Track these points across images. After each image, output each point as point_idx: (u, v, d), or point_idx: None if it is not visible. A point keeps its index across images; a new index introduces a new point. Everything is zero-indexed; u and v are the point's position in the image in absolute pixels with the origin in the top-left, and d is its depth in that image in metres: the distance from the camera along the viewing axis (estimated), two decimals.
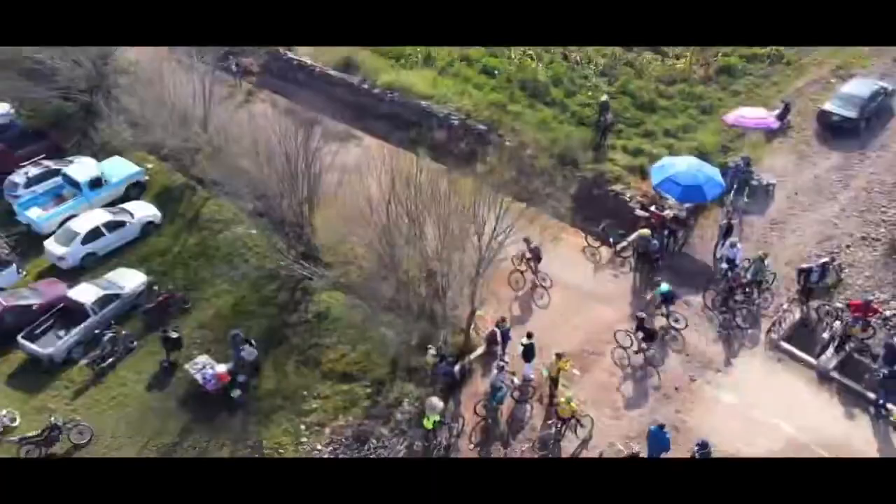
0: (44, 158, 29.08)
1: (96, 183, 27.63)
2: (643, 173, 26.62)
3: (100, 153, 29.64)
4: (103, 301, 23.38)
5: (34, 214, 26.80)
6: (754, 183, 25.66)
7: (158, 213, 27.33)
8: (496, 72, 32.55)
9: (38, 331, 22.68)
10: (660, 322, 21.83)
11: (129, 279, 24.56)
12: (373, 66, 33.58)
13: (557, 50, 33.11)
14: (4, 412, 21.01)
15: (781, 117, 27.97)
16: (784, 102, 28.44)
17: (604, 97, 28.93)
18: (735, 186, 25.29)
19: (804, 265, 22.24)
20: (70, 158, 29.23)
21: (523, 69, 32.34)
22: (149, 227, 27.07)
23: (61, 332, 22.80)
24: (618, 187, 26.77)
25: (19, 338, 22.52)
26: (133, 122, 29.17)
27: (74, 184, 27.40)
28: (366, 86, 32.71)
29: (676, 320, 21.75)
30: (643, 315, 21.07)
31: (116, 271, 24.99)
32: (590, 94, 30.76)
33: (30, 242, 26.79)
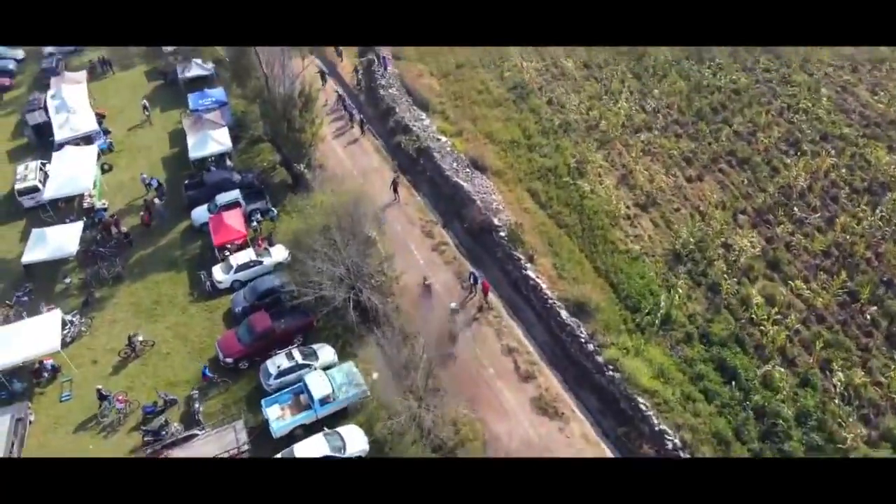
0: (299, 343, 33.69)
1: (326, 400, 31.35)
2: None
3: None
4: None
5: (273, 415, 31.43)
6: None
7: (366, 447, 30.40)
8: (733, 384, 29.79)
9: None
10: None
11: None
12: (605, 319, 32.53)
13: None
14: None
15: None
16: None
17: None
18: None
19: None
20: (315, 348, 33.36)
21: (773, 388, 29.22)
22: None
23: None
24: None
25: None
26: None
27: (310, 395, 31.39)
28: (591, 346, 31.90)
29: None
30: None
31: None
32: None
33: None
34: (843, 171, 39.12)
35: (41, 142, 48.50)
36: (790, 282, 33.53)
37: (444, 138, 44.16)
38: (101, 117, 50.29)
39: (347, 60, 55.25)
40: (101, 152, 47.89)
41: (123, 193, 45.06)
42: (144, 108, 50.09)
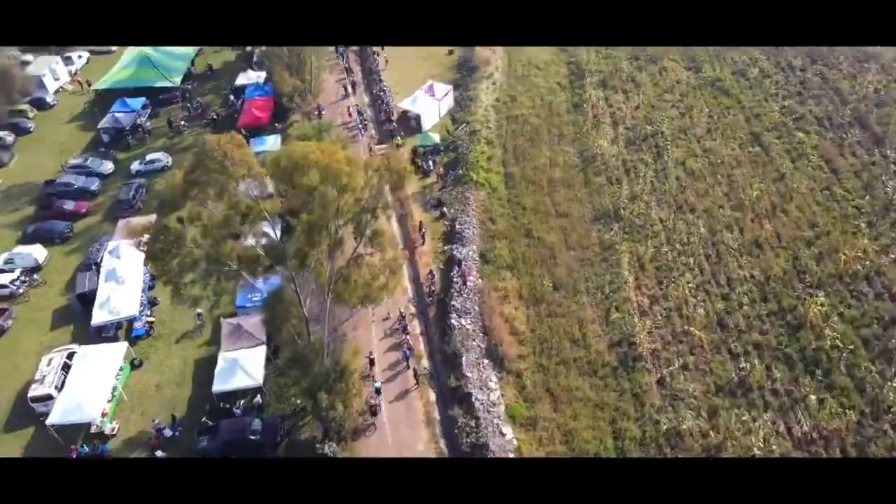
0: None
1: None
2: None
3: None
4: None
5: None
6: None
7: None
8: None
9: None
10: None
11: None
12: None
13: None
14: None
15: None
16: None
17: None
18: None
19: None
20: None
21: None
22: None
23: None
24: None
25: None
26: None
27: None
28: None
29: None
30: None
31: None
32: None
33: None
34: None
35: (84, 312, 44.51)
36: None
37: (509, 433, 34.32)
38: (153, 279, 45.67)
39: (430, 244, 46.80)
40: (138, 338, 43.06)
41: (147, 402, 39.67)
42: (199, 315, 43.18)
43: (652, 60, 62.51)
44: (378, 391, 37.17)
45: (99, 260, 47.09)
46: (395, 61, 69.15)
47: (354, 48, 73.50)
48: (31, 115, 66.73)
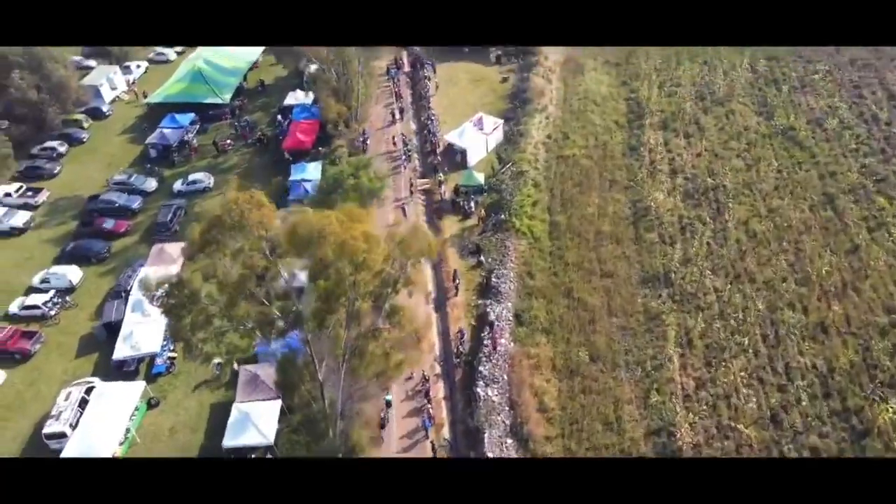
0: None
1: None
2: None
3: None
4: None
5: None
6: None
7: None
8: None
9: None
10: None
11: None
12: None
13: None
14: None
15: None
16: None
17: None
18: None
19: None
20: None
21: None
22: None
23: None
24: None
25: None
26: None
27: None
28: None
29: None
30: None
31: None
32: None
33: None
34: None
35: (109, 340, 44.06)
36: None
37: None
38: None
39: (463, 295, 44.34)
40: (158, 375, 42.26)
41: (158, 447, 38.69)
42: (217, 365, 40.92)
43: (719, 102, 58.24)
44: (388, 404, 37.75)
45: (129, 287, 46.63)
46: (445, 86, 67.03)
47: (407, 69, 71.78)
48: (85, 124, 67.59)
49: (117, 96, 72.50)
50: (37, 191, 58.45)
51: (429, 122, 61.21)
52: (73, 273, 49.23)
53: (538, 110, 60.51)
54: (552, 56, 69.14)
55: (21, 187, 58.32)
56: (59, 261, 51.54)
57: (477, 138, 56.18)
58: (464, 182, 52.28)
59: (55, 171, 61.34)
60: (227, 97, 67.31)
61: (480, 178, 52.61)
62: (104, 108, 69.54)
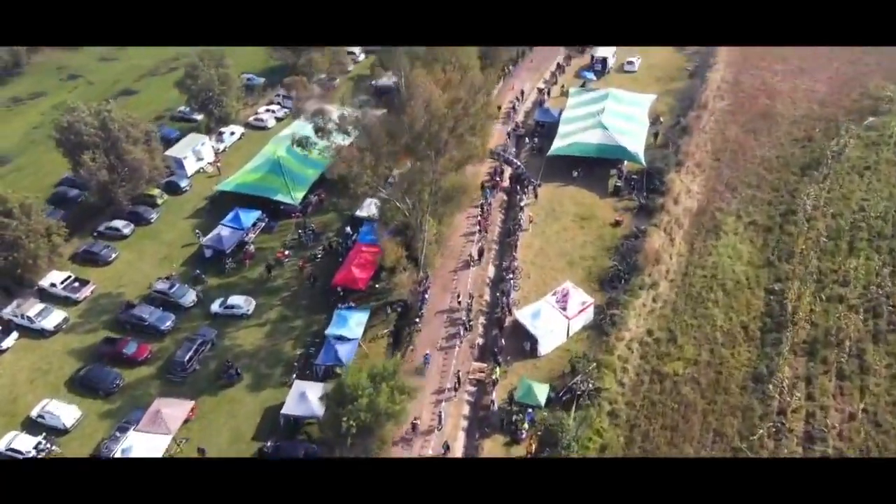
0: None
1: None
2: None
3: None
4: None
5: None
6: None
7: None
8: None
9: None
10: None
11: None
12: None
13: None
14: None
15: None
16: None
17: None
18: None
19: None
20: None
21: None
22: None
23: None
24: None
25: None
26: None
27: None
28: None
29: None
30: None
31: None
32: None
33: None
34: None
35: None
36: None
37: None
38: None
39: None
40: None
41: None
42: None
43: (893, 327, 42.36)
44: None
45: (112, 455, 40.87)
46: (544, 220, 56.01)
47: (505, 184, 61.35)
48: (160, 200, 64.02)
49: (202, 168, 68.62)
50: (83, 283, 55.02)
51: (509, 275, 50.48)
52: (69, 415, 44.43)
53: (645, 286, 47.92)
54: (684, 200, 55.66)
55: (68, 277, 55.20)
56: (70, 383, 47.39)
57: (555, 322, 44.75)
58: (520, 396, 41.15)
59: (110, 259, 57.81)
60: (300, 196, 60.59)
61: (542, 395, 41.00)
62: (182, 184, 65.76)
